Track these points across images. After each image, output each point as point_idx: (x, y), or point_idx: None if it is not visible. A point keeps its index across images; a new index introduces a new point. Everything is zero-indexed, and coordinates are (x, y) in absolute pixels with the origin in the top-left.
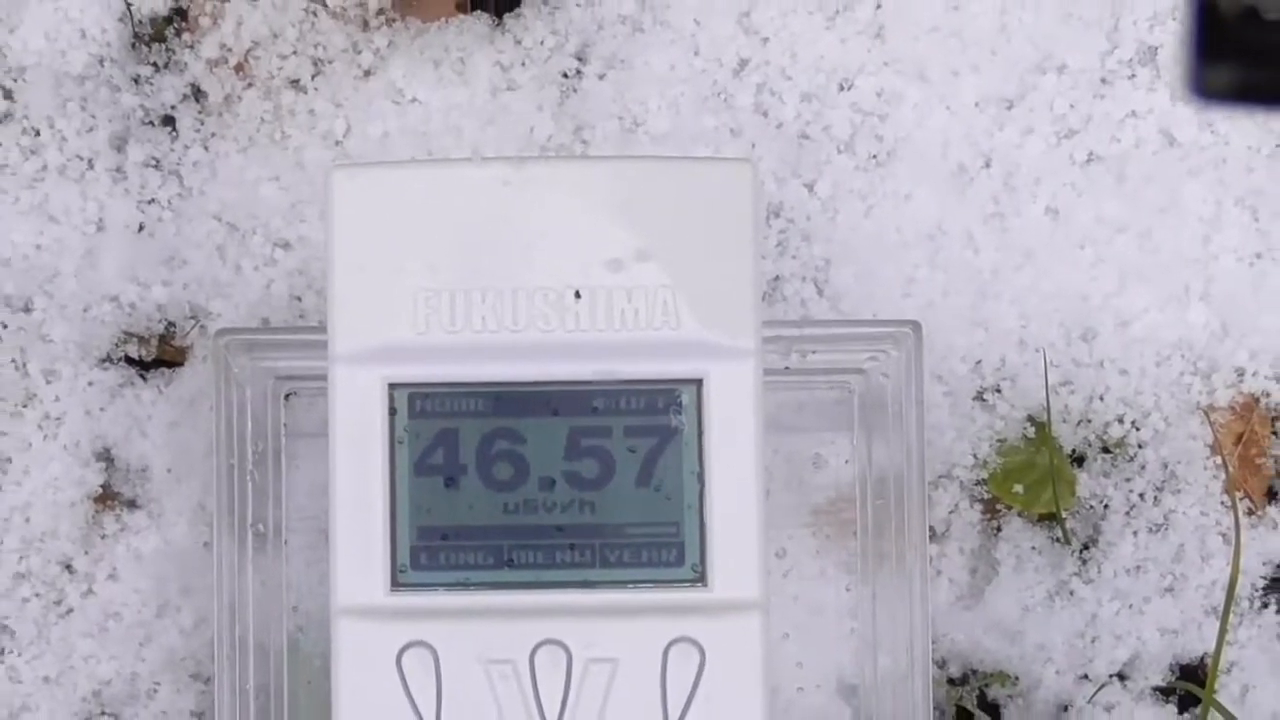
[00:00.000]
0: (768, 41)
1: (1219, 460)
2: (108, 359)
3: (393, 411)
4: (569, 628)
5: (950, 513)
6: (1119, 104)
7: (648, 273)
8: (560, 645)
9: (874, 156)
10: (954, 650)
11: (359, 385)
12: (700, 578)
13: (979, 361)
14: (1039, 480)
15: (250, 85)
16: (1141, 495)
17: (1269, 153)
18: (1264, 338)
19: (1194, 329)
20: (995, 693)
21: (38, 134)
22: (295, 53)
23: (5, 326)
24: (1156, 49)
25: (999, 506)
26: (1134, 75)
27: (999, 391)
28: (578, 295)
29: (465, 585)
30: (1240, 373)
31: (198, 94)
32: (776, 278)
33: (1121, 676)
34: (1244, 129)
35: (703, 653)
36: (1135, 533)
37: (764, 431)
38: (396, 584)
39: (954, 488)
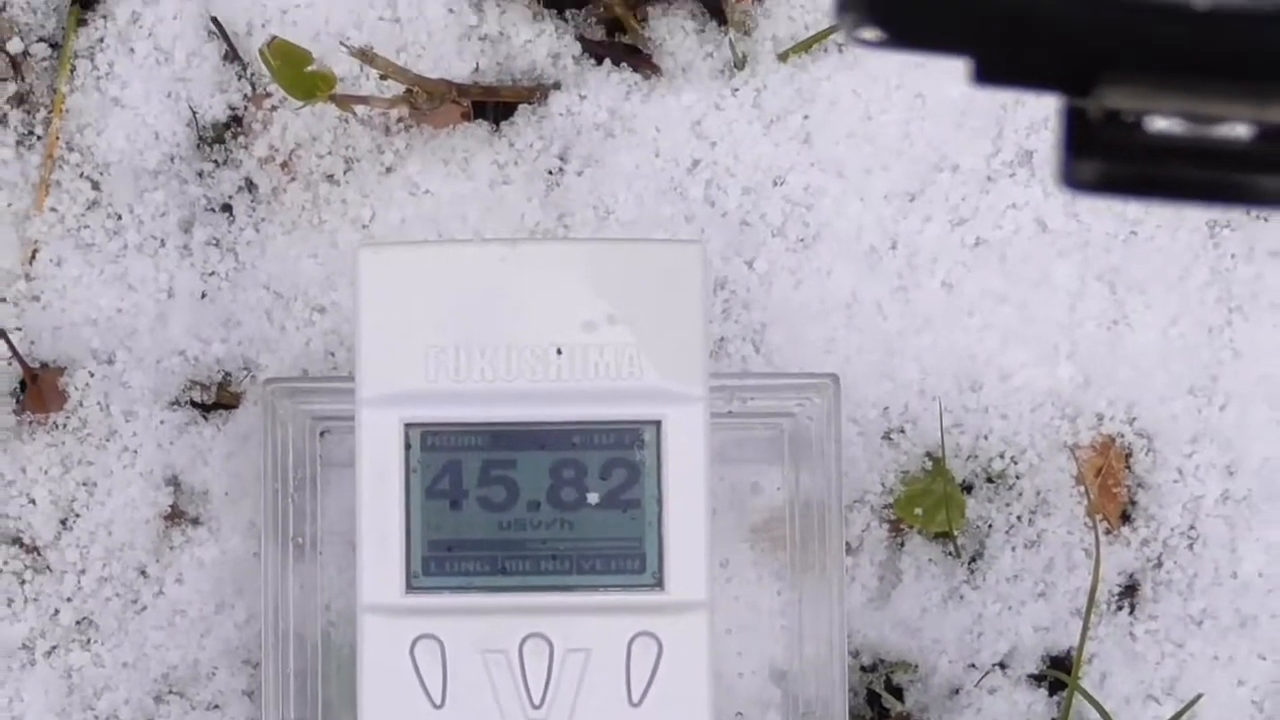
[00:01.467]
0: (715, 145)
1: (1082, 489)
2: (176, 402)
3: (408, 446)
4: (551, 623)
5: (863, 531)
6: (1001, 197)
7: (616, 333)
8: (544, 638)
9: (801, 239)
10: (866, 643)
11: (380, 424)
12: (659, 583)
13: (886, 407)
14: (935, 504)
15: (293, 179)
16: (1019, 517)
17: (1124, 238)
18: (1119, 389)
19: (1062, 382)
20: (899, 678)
21: (119, 218)
22: (330, 153)
23: (93, 375)
24: (1032, 152)
25: (902, 526)
26: (1014, 174)
27: (903, 432)
28: (559, 352)
29: (467, 588)
30: (1100, 417)
31: (250, 186)
32: (722, 338)
33: (1002, 665)
34: (1103, 218)
35: (660, 644)
36: (1014, 548)
37: (711, 463)
38: (410, 587)
39: (866, 510)
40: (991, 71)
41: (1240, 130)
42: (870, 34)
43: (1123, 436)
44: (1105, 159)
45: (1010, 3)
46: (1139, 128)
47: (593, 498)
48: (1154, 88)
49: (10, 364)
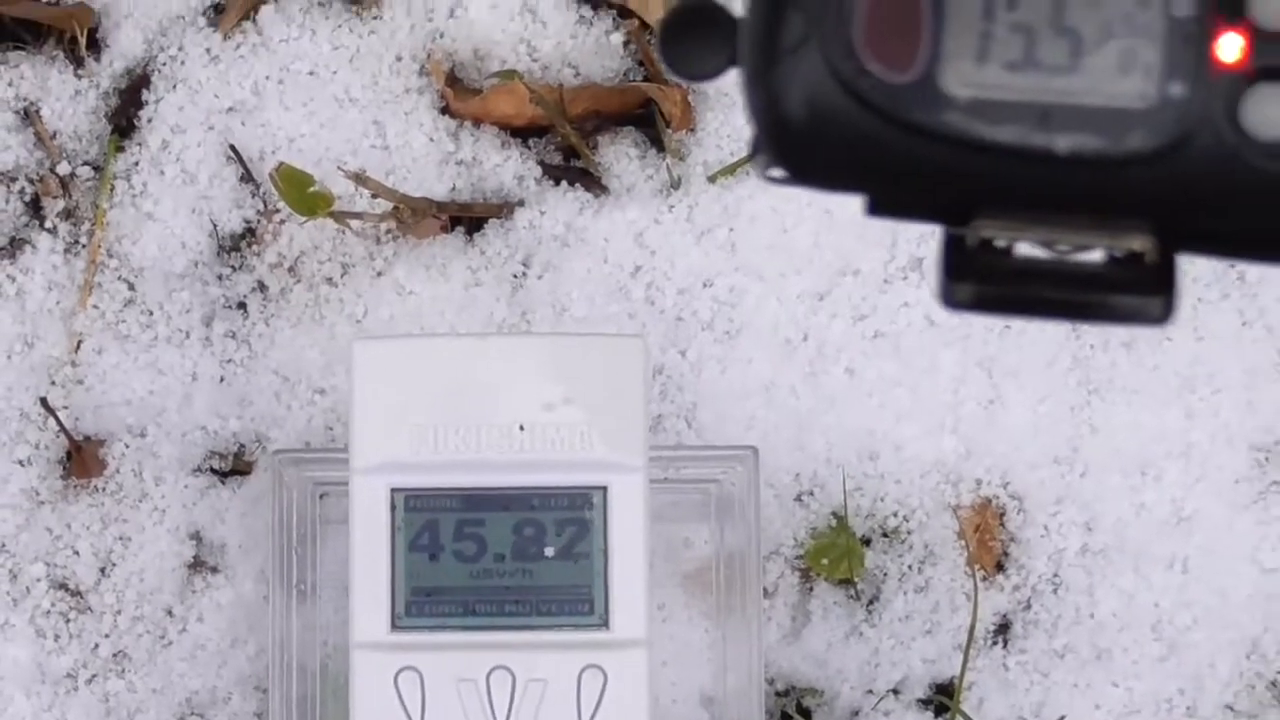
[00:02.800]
0: (654, 254)
1: (963, 543)
2: (198, 469)
3: (394, 508)
4: (514, 657)
5: (778, 578)
6: (896, 297)
7: (570, 413)
8: (507, 669)
9: (727, 332)
10: (780, 672)
11: (370, 490)
12: (605, 623)
13: (798, 474)
14: (839, 556)
15: (298, 281)
16: (910, 566)
17: (999, 331)
18: (995, 459)
19: (946, 452)
20: (808, 702)
21: (151, 314)
22: (330, 260)
23: (128, 446)
24: (921, 259)
25: (811, 574)
26: (906, 277)
27: (812, 495)
28: (521, 428)
29: (443, 627)
30: (979, 482)
31: (262, 287)
32: (659, 415)
33: (895, 691)
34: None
35: (606, 675)
36: (905, 593)
37: (649, 522)
38: (395, 626)
39: (780, 561)
40: (880, 208)
41: (1095, 256)
42: (778, 174)
43: (998, 498)
44: (978, 282)
45: (895, 156)
46: (1009, 254)
47: (549, 551)
48: (1022, 221)
49: (58, 437)
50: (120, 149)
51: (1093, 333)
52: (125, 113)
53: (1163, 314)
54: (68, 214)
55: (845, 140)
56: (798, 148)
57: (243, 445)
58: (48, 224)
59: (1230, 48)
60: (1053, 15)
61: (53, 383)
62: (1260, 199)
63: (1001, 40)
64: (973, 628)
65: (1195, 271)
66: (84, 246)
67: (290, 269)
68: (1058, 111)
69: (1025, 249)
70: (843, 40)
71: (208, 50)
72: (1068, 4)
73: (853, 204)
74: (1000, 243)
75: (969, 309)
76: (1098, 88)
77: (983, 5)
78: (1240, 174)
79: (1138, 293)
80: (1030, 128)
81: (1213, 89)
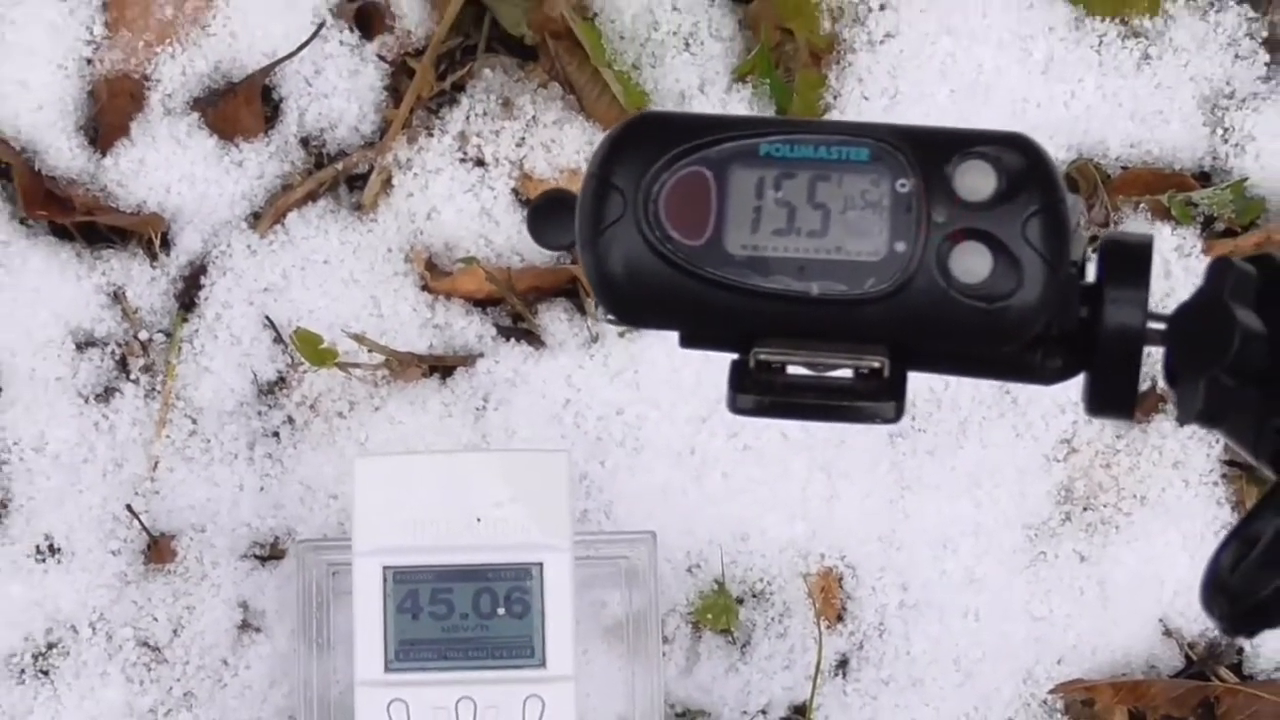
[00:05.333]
0: (580, 391)
1: (812, 601)
2: (244, 555)
3: (385, 581)
4: (475, 689)
5: (674, 629)
6: (759, 419)
7: (515, 508)
8: (470, 699)
9: (634, 448)
10: (678, 699)
11: (368, 568)
12: (543, 663)
13: (688, 551)
14: (720, 612)
15: (317, 415)
16: (773, 619)
17: (836, 444)
18: (834, 538)
19: (798, 534)
20: None
21: (208, 441)
22: (339, 399)
23: (192, 539)
24: None
25: (700, 626)
26: None
27: (699, 567)
28: (479, 520)
29: (422, 669)
30: (822, 556)
31: (290, 420)
32: (585, 510)
33: (763, 712)
34: (824, 430)
35: (544, 702)
36: (769, 638)
37: (575, 588)
38: (388, 668)
39: (676, 616)
40: (687, 341)
41: (845, 372)
42: (610, 318)
43: (836, 567)
44: (758, 393)
45: (692, 301)
46: (782, 371)
47: (500, 611)
48: (789, 347)
49: (140, 534)
50: (185, 320)
51: (904, 442)
52: (188, 293)
53: (894, 416)
54: (146, 369)
55: (654, 290)
56: (620, 297)
57: (277, 537)
58: (132, 376)
59: (940, 215)
60: (808, 194)
61: (136, 494)
62: (965, 329)
63: (770, 213)
64: (819, 664)
65: (980, 396)
66: (159, 393)
67: (311, 406)
68: (812, 264)
69: (793, 368)
70: (651, 215)
71: (248, 246)
72: (818, 186)
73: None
74: (774, 363)
75: (750, 415)
76: (842, 246)
77: (755, 187)
78: (950, 310)
79: (876, 400)
80: (792, 277)
81: (927, 246)
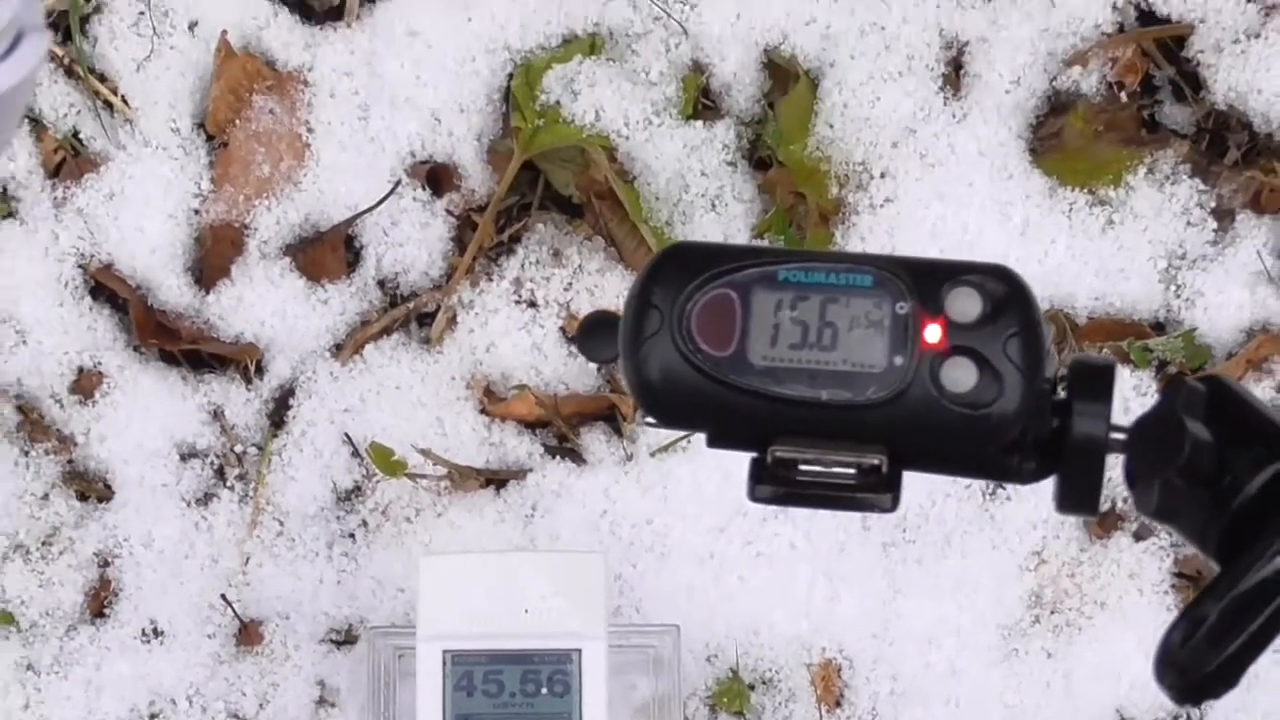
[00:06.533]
0: (615, 502)
1: (814, 687)
2: (323, 640)
3: (444, 663)
4: None
5: (694, 711)
6: (770, 529)
7: (557, 601)
8: None
9: (662, 554)
10: None
11: (430, 652)
12: None
13: (707, 643)
14: (735, 696)
15: (388, 520)
16: (780, 703)
17: (838, 552)
18: (833, 634)
19: (802, 629)
20: None
21: (294, 540)
22: (407, 506)
23: (277, 625)
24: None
25: (716, 708)
26: (777, 516)
27: (716, 657)
28: (526, 611)
29: None
30: (824, 649)
31: (365, 524)
32: (618, 606)
33: None
34: (824, 539)
35: None
36: (781, 719)
37: (609, 672)
38: None
39: (696, 700)
40: (714, 441)
41: (848, 469)
42: (650, 420)
43: (836, 659)
44: (774, 485)
45: (719, 405)
46: (795, 466)
47: (544, 691)
48: (801, 446)
49: (233, 620)
50: (275, 435)
51: (896, 551)
52: (278, 412)
53: (891, 506)
54: (241, 477)
55: (687, 394)
56: (657, 401)
57: (351, 624)
58: (228, 484)
59: (933, 334)
60: (820, 314)
61: (229, 585)
62: (953, 432)
63: (786, 329)
64: None
65: (962, 513)
66: (251, 498)
67: (383, 512)
68: (822, 374)
69: (805, 465)
70: (684, 330)
71: (331, 373)
72: (828, 307)
73: (741, 469)
74: (788, 460)
75: (767, 503)
76: (848, 359)
77: (774, 307)
78: (940, 415)
79: (876, 493)
80: (804, 385)
81: (922, 359)
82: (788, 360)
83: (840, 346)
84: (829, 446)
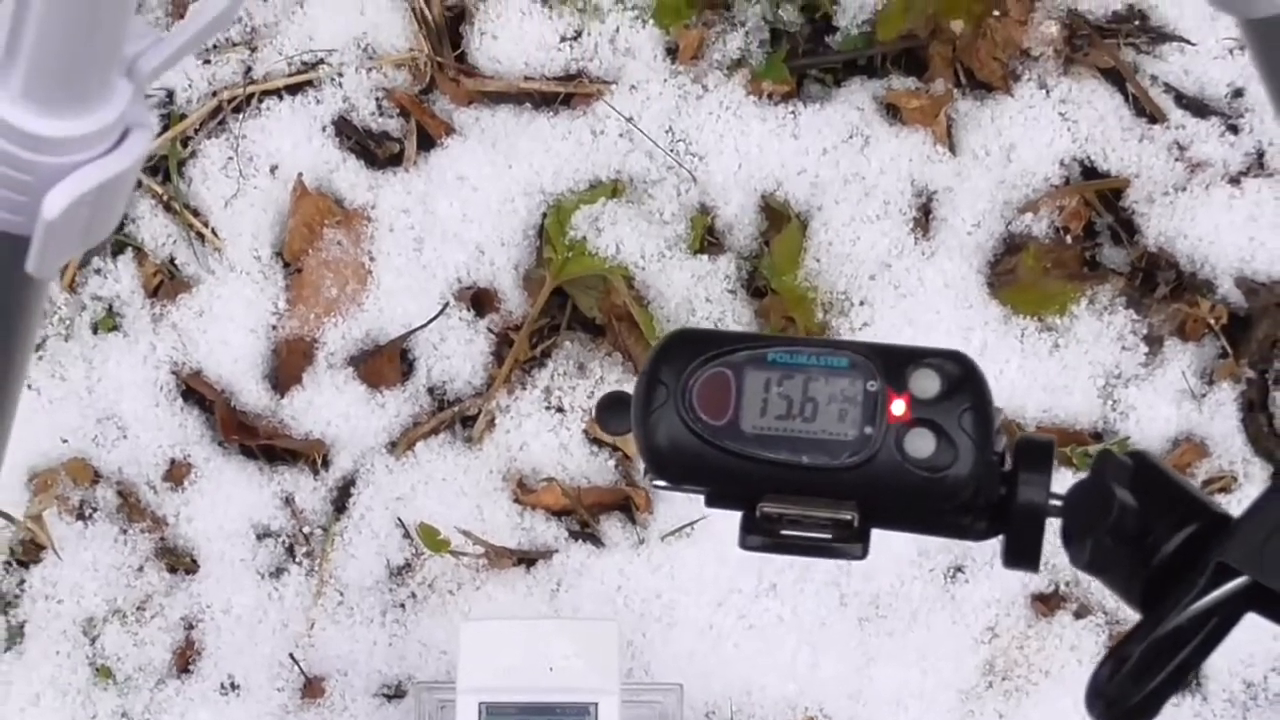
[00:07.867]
0: (629, 579)
1: None
2: (376, 694)
3: (480, 713)
4: None
5: None
6: (761, 605)
7: (577, 661)
8: None
9: (669, 624)
10: None
11: (468, 703)
12: None
13: (706, 701)
14: None
15: (433, 592)
16: None
17: (819, 627)
18: (815, 696)
19: (789, 692)
20: None
21: (352, 610)
22: (450, 580)
23: (337, 682)
24: (775, 584)
25: None
26: (769, 593)
27: (713, 712)
28: (550, 669)
29: None
30: (807, 708)
31: (414, 595)
32: (630, 669)
33: None
34: (810, 613)
35: None
36: None
37: None
38: None
39: None
40: (711, 501)
41: (826, 523)
42: (658, 482)
43: (818, 717)
44: (761, 535)
45: (716, 467)
46: (780, 520)
47: None
48: (785, 503)
49: (299, 676)
50: (338, 519)
51: (870, 625)
52: (341, 500)
53: (861, 555)
54: (308, 554)
55: (688, 458)
56: (663, 464)
57: (400, 680)
58: (297, 560)
59: (898, 407)
60: (803, 390)
61: (297, 646)
62: (913, 492)
63: (774, 403)
64: None
65: (927, 594)
66: (316, 572)
67: (429, 585)
68: (803, 442)
69: (788, 518)
70: (686, 402)
71: (387, 466)
72: (810, 384)
73: (735, 554)
74: (774, 514)
75: (757, 551)
76: (826, 429)
77: (764, 384)
78: (903, 477)
79: (848, 543)
80: (789, 451)
81: (889, 430)
82: (775, 429)
83: (820, 418)
84: (809, 503)
